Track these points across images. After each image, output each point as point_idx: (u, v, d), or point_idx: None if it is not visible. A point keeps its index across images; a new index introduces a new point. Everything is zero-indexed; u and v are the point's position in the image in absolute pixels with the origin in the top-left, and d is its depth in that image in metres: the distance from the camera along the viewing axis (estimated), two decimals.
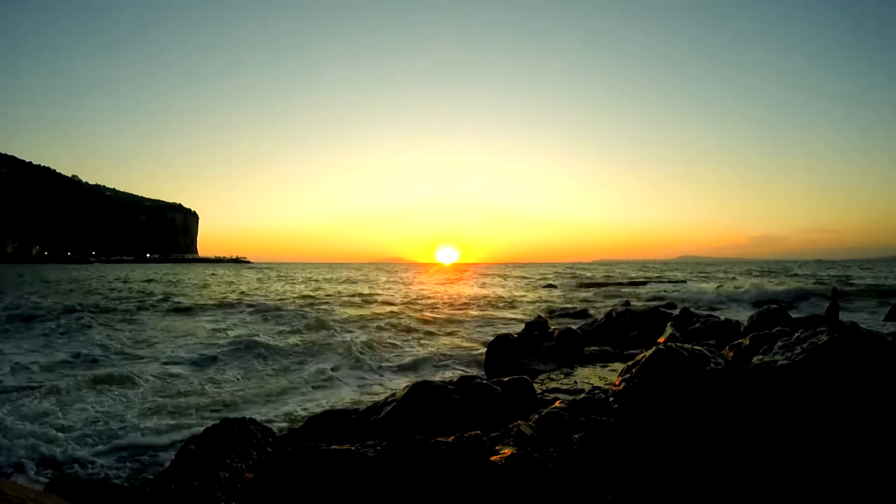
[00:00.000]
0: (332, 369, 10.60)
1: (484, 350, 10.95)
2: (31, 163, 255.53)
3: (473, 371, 10.38)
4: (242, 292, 33.11)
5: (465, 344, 13.70)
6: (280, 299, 27.51)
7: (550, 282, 45.36)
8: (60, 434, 6.43)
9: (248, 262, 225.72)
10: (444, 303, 25.52)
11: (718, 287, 31.77)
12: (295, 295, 31.25)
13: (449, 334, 15.64)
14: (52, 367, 10.79)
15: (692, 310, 16.01)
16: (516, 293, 32.88)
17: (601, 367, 9.17)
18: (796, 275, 52.89)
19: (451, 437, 4.12)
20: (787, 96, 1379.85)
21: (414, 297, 29.54)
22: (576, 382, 7.91)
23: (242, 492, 3.67)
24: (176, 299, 26.78)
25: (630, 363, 4.93)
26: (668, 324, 12.44)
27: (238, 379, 9.94)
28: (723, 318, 13.02)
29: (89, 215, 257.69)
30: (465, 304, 25.00)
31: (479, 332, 16.08)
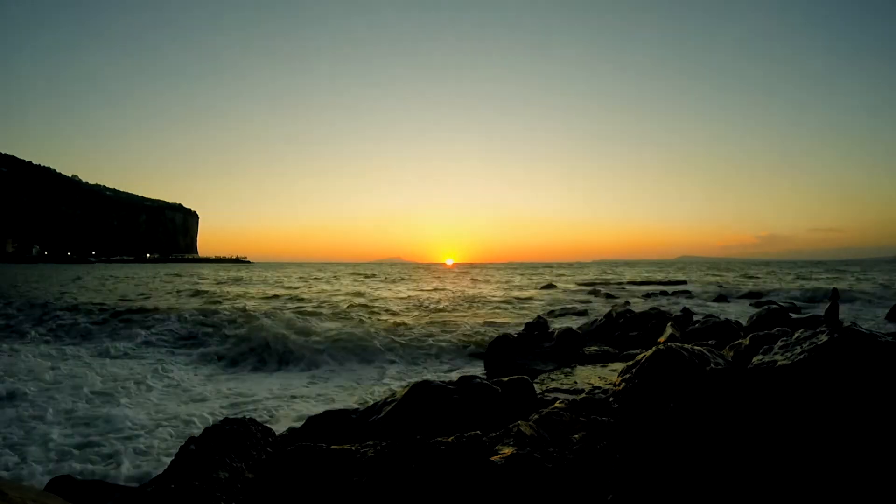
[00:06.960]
0: None
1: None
2: (31, 163, 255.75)
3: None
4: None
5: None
6: None
7: (550, 282, 45.32)
8: None
9: (248, 261, 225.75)
10: (449, 304, 25.26)
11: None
12: None
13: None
14: None
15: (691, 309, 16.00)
16: (514, 293, 32.82)
17: (601, 367, 9.15)
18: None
19: (451, 437, 4.11)
20: (795, 95, 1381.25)
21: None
22: (576, 382, 7.89)
23: (242, 492, 3.67)
24: None
25: (630, 363, 4.93)
26: (668, 324, 12.44)
27: None
28: (722, 318, 13.01)
29: (89, 215, 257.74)
30: (469, 305, 24.57)
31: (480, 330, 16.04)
